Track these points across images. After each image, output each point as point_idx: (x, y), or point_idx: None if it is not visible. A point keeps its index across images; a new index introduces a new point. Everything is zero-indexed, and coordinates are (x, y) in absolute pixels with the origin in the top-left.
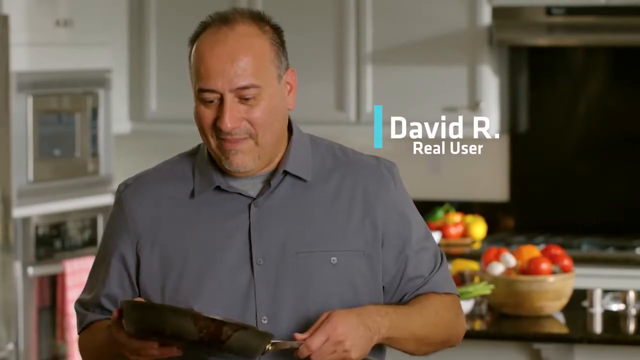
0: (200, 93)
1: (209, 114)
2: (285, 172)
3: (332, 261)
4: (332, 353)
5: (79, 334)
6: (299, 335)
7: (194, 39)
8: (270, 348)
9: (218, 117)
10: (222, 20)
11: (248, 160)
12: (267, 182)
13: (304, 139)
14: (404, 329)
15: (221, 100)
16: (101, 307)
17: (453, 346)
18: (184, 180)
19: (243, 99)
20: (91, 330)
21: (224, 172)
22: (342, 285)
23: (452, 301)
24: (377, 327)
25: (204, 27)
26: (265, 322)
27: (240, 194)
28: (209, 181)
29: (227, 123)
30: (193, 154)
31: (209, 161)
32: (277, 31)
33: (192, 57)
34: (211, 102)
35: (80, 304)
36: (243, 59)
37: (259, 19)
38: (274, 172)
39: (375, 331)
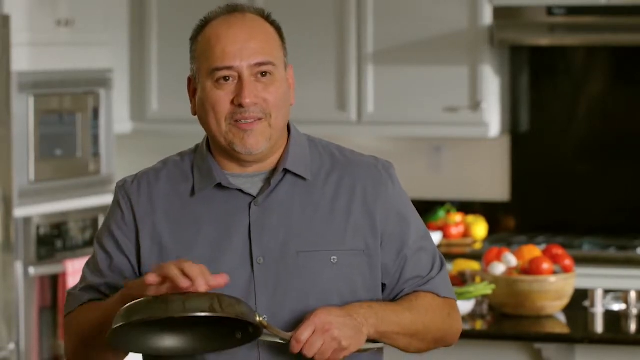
0: (215, 73)
1: (223, 95)
2: (285, 171)
3: (332, 260)
4: (322, 344)
5: (67, 314)
6: (288, 334)
7: (201, 28)
8: (262, 319)
9: (236, 95)
10: (231, 9)
11: (262, 140)
12: (268, 181)
13: (302, 139)
14: (392, 323)
15: (238, 79)
16: (98, 292)
17: (449, 346)
18: (184, 178)
19: (260, 75)
20: (86, 307)
21: (225, 169)
22: (342, 285)
23: (445, 302)
24: (363, 318)
25: (210, 18)
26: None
27: (241, 191)
28: (209, 178)
29: (246, 98)
30: (192, 152)
31: (209, 158)
32: (279, 28)
33: (201, 42)
34: (226, 81)
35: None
36: (259, 37)
37: (264, 14)
38: (274, 171)
39: (362, 322)
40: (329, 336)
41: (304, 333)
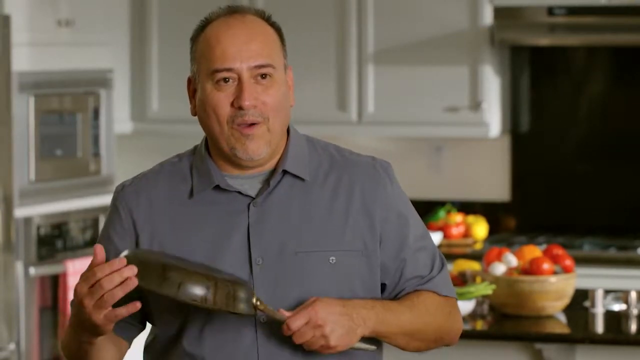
0: (214, 74)
1: (224, 97)
2: (284, 172)
3: (330, 261)
4: (311, 337)
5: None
6: (285, 313)
7: (201, 29)
8: (257, 304)
9: (236, 97)
10: (231, 10)
11: (262, 145)
12: (266, 182)
13: (301, 139)
14: (391, 324)
15: (238, 80)
16: None
17: (449, 345)
18: (182, 180)
19: (260, 77)
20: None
21: (223, 171)
22: (341, 285)
23: (446, 301)
24: (361, 319)
25: (210, 19)
26: (264, 321)
27: (239, 192)
28: (208, 180)
29: (246, 100)
30: (190, 154)
31: (207, 160)
32: (279, 30)
33: (201, 43)
34: (226, 82)
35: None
36: (259, 39)
37: (264, 16)
38: (272, 172)
39: (359, 323)
40: (319, 332)
41: (296, 322)
